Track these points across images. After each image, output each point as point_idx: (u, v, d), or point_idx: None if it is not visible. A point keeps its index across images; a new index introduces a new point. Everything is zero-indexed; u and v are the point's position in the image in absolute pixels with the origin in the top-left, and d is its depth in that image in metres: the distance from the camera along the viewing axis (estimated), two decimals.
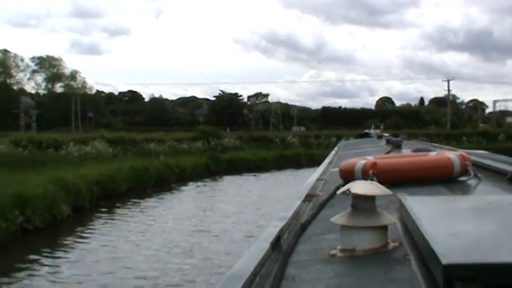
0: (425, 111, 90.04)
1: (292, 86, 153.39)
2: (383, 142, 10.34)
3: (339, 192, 2.08)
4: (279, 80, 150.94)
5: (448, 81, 75.61)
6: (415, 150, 5.21)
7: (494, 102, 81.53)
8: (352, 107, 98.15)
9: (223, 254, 11.46)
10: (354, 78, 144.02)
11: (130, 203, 19.39)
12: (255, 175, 31.33)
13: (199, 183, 26.57)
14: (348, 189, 1.91)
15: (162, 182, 24.44)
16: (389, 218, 1.92)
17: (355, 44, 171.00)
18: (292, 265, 1.91)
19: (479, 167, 3.98)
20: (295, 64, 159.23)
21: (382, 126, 20.64)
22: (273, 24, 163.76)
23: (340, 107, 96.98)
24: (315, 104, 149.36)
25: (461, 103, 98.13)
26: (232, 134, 48.12)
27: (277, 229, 2.35)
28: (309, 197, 3.60)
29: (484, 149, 7.44)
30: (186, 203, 20.44)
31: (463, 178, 3.62)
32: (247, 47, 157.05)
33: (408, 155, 4.91)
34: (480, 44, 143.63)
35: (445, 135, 47.34)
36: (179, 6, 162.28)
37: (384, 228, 1.91)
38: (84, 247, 12.43)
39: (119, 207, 18.39)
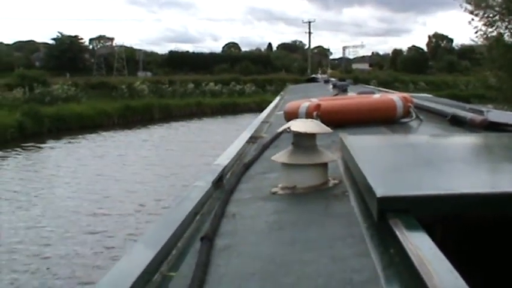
0: (275, 57, 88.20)
1: (134, 31, 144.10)
2: (330, 86, 10.40)
3: (279, 130, 2.23)
4: (120, 24, 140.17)
5: (309, 22, 74.58)
6: (359, 93, 5.50)
7: (344, 48, 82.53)
8: (199, 52, 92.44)
9: None
10: (195, 23, 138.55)
11: None
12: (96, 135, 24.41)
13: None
14: (289, 128, 1.90)
15: None
16: (330, 156, 1.93)
17: None
18: (234, 203, 1.89)
19: (421, 109, 4.06)
20: (135, 8, 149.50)
21: (329, 71, 19.05)
22: None
23: (187, 52, 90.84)
24: (159, 49, 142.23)
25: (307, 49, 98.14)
26: (68, 80, 39.69)
27: (220, 168, 2.27)
28: (253, 139, 3.52)
29: None
30: None
31: (405, 120, 3.70)
32: None
33: (352, 97, 4.91)
34: None
35: None
36: None
37: (325, 165, 1.91)
38: None
39: None
